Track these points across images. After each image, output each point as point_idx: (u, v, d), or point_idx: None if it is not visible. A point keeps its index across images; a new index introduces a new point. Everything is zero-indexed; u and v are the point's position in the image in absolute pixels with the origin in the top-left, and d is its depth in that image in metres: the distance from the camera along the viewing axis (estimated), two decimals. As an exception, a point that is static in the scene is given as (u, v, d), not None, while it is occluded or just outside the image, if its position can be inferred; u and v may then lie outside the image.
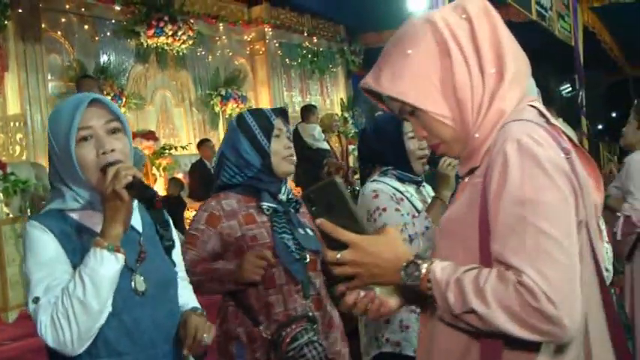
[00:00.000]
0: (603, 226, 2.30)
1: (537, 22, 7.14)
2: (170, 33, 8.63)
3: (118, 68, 8.57)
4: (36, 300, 1.46)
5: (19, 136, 7.35)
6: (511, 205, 1.13)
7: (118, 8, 8.47)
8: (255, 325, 2.16)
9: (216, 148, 6.72)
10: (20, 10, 7.31)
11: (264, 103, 10.56)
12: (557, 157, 1.16)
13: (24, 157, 7.24)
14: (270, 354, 2.12)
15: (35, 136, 7.38)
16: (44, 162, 6.55)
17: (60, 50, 8.04)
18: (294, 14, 11.40)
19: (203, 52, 9.85)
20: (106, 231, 1.47)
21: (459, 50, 1.23)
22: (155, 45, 8.83)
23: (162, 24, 8.52)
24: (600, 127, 14.92)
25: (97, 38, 8.44)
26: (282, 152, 2.26)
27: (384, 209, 2.37)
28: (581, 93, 9.25)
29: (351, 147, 8.92)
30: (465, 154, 1.28)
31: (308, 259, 2.22)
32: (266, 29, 10.73)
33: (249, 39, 10.78)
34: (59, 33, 8.02)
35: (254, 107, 8.24)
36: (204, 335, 1.59)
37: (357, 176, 8.05)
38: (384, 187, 2.44)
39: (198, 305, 1.78)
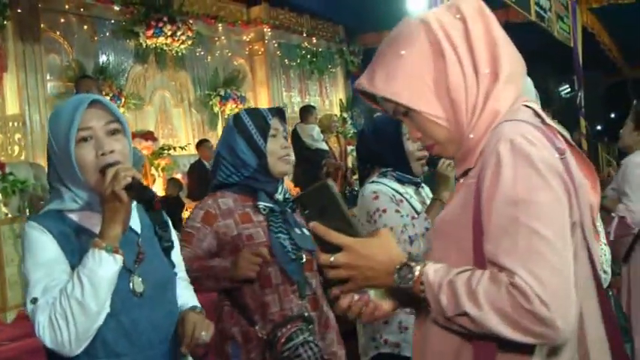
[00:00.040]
0: (601, 228, 2.30)
1: (536, 22, 7.15)
2: (169, 33, 8.62)
3: (117, 68, 8.56)
4: (34, 300, 1.46)
5: (17, 136, 7.34)
6: (504, 205, 1.12)
7: (117, 8, 8.46)
8: (251, 325, 2.16)
9: (215, 149, 6.70)
10: (19, 10, 7.30)
11: (263, 103, 10.55)
12: (551, 158, 1.15)
13: (22, 157, 7.23)
14: (265, 354, 2.11)
15: (34, 136, 7.38)
16: (43, 162, 6.55)
17: (59, 50, 8.04)
18: (293, 14, 11.39)
19: (202, 53, 9.85)
20: (105, 232, 1.47)
21: (453, 50, 1.22)
22: (154, 45, 8.82)
23: (161, 24, 8.51)
24: (599, 128, 14.91)
25: (96, 38, 8.44)
26: (278, 152, 2.26)
27: (384, 210, 2.37)
28: (580, 94, 9.25)
29: (349, 148, 8.91)
30: (460, 156, 1.27)
31: (304, 259, 2.22)
32: (265, 29, 10.72)
33: (248, 39, 10.78)
34: (58, 33, 8.01)
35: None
36: (203, 333, 1.59)
37: (355, 177, 8.06)
38: (383, 188, 2.43)
39: (198, 304, 1.78)
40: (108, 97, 7.50)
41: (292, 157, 2.34)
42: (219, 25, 10.08)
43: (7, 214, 5.87)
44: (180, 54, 9.25)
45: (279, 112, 2.34)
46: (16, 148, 7.32)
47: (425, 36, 1.24)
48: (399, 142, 2.45)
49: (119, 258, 1.47)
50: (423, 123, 1.26)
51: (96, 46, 8.44)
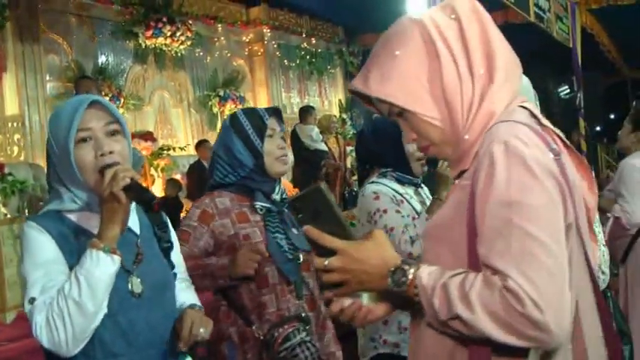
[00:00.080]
0: (600, 228, 2.30)
1: (535, 23, 7.14)
2: (168, 34, 8.63)
3: (116, 69, 8.57)
4: (32, 300, 1.47)
5: (16, 136, 7.35)
6: (497, 207, 1.10)
7: (116, 9, 8.47)
8: (248, 325, 2.15)
9: (215, 149, 6.70)
10: (19, 11, 7.31)
11: (263, 104, 10.55)
12: (546, 159, 1.13)
13: (22, 158, 7.24)
14: (262, 354, 2.11)
15: (33, 136, 7.38)
16: (42, 162, 6.55)
17: (58, 51, 8.04)
18: (293, 15, 11.40)
19: (201, 53, 9.85)
20: (103, 232, 1.47)
21: (448, 51, 1.20)
22: (153, 46, 8.83)
23: (160, 25, 8.52)
24: (598, 128, 14.92)
25: (95, 39, 8.44)
26: (275, 152, 2.25)
27: (385, 211, 2.37)
28: (579, 95, 9.24)
29: (348, 148, 8.92)
30: (456, 157, 1.26)
31: (301, 259, 2.21)
32: (264, 30, 10.73)
33: (247, 40, 10.78)
34: (57, 33, 8.01)
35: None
36: (201, 330, 1.60)
37: (354, 178, 8.06)
38: (383, 188, 2.43)
39: (197, 302, 1.78)
40: (107, 98, 7.50)
41: (289, 158, 2.32)
42: (219, 25, 10.09)
43: (6, 215, 5.88)
44: (179, 54, 9.26)
45: (276, 112, 2.33)
46: (16, 149, 7.33)
47: (419, 36, 1.22)
48: (399, 143, 2.45)
49: (117, 258, 1.48)
50: (418, 124, 1.24)
51: (95, 46, 8.45)
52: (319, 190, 1.20)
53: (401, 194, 2.45)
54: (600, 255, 2.22)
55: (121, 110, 7.84)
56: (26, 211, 6.16)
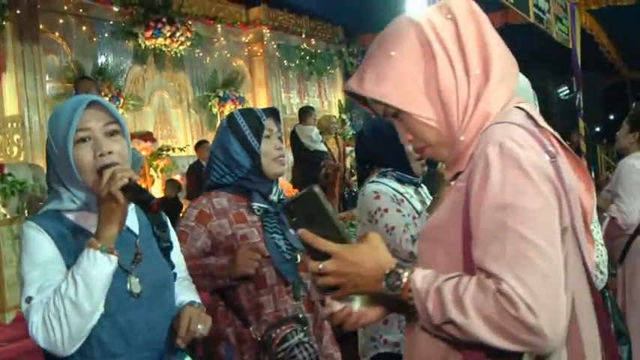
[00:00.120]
0: (598, 228, 2.30)
1: (535, 24, 7.14)
2: (168, 34, 8.64)
3: (115, 69, 8.57)
4: (29, 300, 1.47)
5: (16, 137, 7.35)
6: (492, 209, 1.08)
7: (116, 9, 8.47)
8: (245, 326, 2.15)
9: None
10: (18, 11, 7.31)
11: (262, 104, 10.55)
12: (541, 161, 1.11)
13: (21, 158, 7.24)
14: (259, 355, 2.10)
15: (32, 137, 7.38)
16: (42, 163, 6.55)
17: (58, 51, 8.04)
18: (292, 16, 11.40)
19: (201, 54, 9.86)
20: (100, 232, 1.47)
21: (444, 51, 1.19)
22: (153, 46, 8.83)
23: (160, 25, 8.53)
24: (598, 129, 14.95)
25: (94, 39, 8.45)
26: (272, 153, 2.24)
27: (386, 210, 2.37)
28: (578, 95, 9.25)
29: (348, 149, 8.92)
30: (452, 159, 1.24)
31: (299, 260, 2.20)
32: (264, 31, 10.73)
33: (247, 40, 10.79)
34: (57, 34, 8.02)
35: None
36: (199, 326, 1.59)
37: (354, 178, 8.06)
38: (384, 188, 2.43)
39: (197, 300, 1.78)
40: (107, 98, 7.51)
41: (286, 158, 2.31)
42: (218, 26, 10.10)
43: (5, 215, 5.88)
44: (179, 55, 9.27)
45: (273, 113, 2.32)
46: (15, 149, 7.33)
47: (415, 37, 1.21)
48: (399, 143, 2.44)
49: (114, 258, 1.47)
50: (414, 125, 1.23)
51: (95, 46, 8.46)
52: (313, 193, 1.19)
53: (401, 193, 2.45)
54: (599, 255, 2.21)
55: (120, 111, 7.84)
56: (26, 211, 6.17)
